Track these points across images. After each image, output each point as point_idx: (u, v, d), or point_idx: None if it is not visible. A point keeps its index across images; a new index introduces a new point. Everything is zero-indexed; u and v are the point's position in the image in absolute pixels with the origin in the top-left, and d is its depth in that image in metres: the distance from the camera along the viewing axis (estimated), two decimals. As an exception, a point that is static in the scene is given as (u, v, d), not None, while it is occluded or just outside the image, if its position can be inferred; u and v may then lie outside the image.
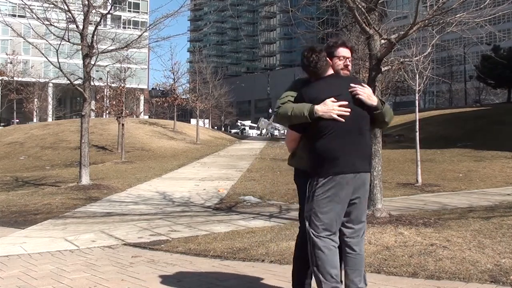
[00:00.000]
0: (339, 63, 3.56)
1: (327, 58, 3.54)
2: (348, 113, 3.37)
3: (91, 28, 13.79)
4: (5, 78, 52.14)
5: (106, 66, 24.98)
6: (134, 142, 30.65)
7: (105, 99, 33.92)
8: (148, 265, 5.26)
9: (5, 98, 52.69)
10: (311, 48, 3.58)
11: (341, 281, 3.50)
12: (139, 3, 75.82)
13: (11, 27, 17.45)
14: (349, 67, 3.62)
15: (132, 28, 48.25)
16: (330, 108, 3.35)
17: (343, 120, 3.36)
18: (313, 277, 3.51)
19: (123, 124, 25.34)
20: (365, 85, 3.52)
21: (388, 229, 6.12)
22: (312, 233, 3.39)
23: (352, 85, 3.45)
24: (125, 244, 6.46)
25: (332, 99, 3.37)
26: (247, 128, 78.15)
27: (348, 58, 3.60)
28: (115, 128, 29.49)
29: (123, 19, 49.75)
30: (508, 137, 22.87)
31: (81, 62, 13.60)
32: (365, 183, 3.51)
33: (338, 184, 3.37)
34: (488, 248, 5.11)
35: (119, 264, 5.36)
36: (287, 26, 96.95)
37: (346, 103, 3.38)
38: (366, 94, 3.44)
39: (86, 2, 13.41)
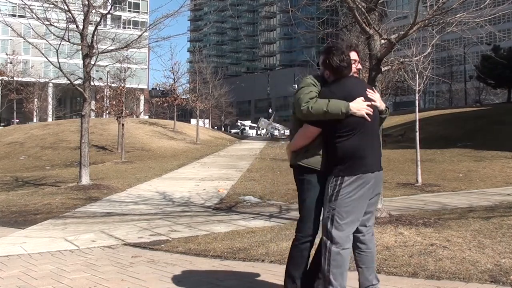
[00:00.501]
0: (353, 67, 3.64)
1: None
2: (372, 113, 3.47)
3: (91, 28, 13.79)
4: (5, 78, 52.13)
5: (106, 66, 24.97)
6: (134, 142, 30.65)
7: (105, 99, 33.91)
8: (148, 265, 5.26)
9: (5, 98, 52.68)
10: (338, 47, 3.61)
11: None
12: (139, 3, 75.83)
13: (11, 27, 17.44)
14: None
15: (132, 28, 48.28)
16: (363, 106, 3.43)
17: (370, 120, 3.45)
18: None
19: (123, 124, 25.34)
20: (375, 90, 3.67)
21: (388, 229, 6.12)
22: (334, 233, 3.40)
23: (368, 90, 3.57)
24: (125, 244, 6.46)
25: (362, 98, 3.46)
26: (247, 128, 78.16)
27: (358, 61, 3.70)
28: (115, 128, 29.49)
29: (123, 19, 49.79)
30: (508, 137, 22.86)
31: (81, 62, 13.60)
32: (381, 181, 3.65)
33: (364, 183, 3.43)
34: (488, 248, 5.11)
35: (119, 264, 5.36)
36: (287, 26, 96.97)
37: (371, 103, 3.51)
38: (377, 99, 3.57)
39: (86, 2, 13.41)
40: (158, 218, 8.58)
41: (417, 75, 13.20)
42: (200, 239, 6.47)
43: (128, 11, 66.44)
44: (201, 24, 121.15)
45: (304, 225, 3.65)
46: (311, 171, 3.57)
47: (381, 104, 3.58)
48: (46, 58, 14.48)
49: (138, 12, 69.76)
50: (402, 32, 7.30)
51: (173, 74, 39.66)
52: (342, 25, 13.68)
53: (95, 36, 13.64)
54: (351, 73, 3.59)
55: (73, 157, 24.75)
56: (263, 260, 5.18)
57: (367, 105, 3.46)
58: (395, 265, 4.67)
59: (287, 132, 75.91)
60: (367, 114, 3.43)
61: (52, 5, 13.85)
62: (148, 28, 15.27)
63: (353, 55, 3.63)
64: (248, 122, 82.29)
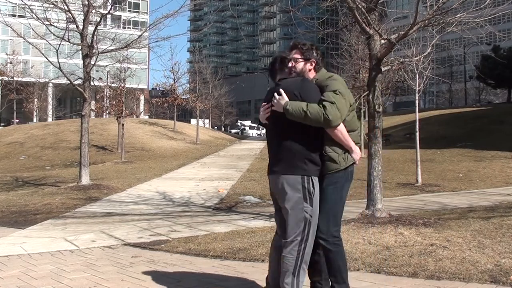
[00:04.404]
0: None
1: None
2: (266, 117, 3.71)
3: (91, 28, 13.79)
4: (5, 78, 52.09)
5: (106, 66, 24.96)
6: (134, 142, 30.65)
7: (105, 99, 33.90)
8: (148, 265, 5.25)
9: (5, 98, 52.63)
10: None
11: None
12: (139, 3, 75.81)
13: (11, 27, 17.42)
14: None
15: (132, 28, 48.21)
16: (260, 112, 3.84)
17: (268, 123, 3.76)
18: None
19: (123, 124, 25.33)
20: (280, 92, 3.59)
21: (388, 229, 6.12)
22: None
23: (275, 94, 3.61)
24: (125, 244, 6.46)
25: (264, 103, 3.72)
26: (247, 128, 78.11)
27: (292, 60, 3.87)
28: (115, 128, 29.49)
29: (123, 19, 49.66)
30: (508, 137, 22.87)
31: (81, 62, 13.60)
32: (277, 188, 3.60)
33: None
34: (488, 248, 5.10)
35: (119, 264, 5.36)
36: (287, 26, 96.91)
37: (271, 108, 3.63)
38: (275, 103, 3.57)
39: (86, 2, 13.41)
40: (158, 218, 8.58)
41: (417, 75, 13.21)
42: (200, 239, 6.47)
43: (128, 11, 66.41)
44: (201, 24, 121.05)
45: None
46: None
47: (277, 107, 3.52)
48: (46, 58, 14.48)
49: (138, 12, 69.72)
50: (402, 32, 7.29)
51: (173, 74, 39.65)
52: (342, 25, 13.68)
53: (95, 36, 13.64)
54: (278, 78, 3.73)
55: (73, 157, 24.74)
56: (263, 260, 5.17)
57: (263, 109, 3.64)
58: (395, 265, 4.67)
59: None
60: (263, 118, 3.65)
61: (52, 5, 13.84)
62: (148, 28, 15.26)
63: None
64: (248, 122, 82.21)
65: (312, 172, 3.49)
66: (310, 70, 3.73)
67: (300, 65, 3.71)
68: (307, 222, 3.47)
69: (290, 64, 3.70)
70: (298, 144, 3.49)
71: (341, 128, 3.51)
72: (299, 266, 3.45)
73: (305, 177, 3.47)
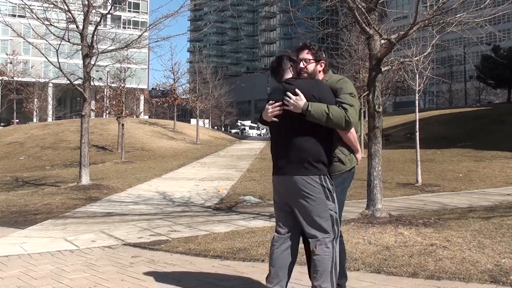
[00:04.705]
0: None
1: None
2: (276, 116, 3.61)
3: (91, 28, 13.79)
4: (5, 78, 52.11)
5: (106, 66, 24.96)
6: (134, 142, 30.65)
7: (105, 99, 33.91)
8: (148, 265, 5.25)
9: (5, 98, 52.62)
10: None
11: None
12: (139, 3, 75.82)
13: (11, 27, 17.42)
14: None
15: (132, 28, 48.20)
16: (266, 111, 3.68)
17: (277, 123, 3.66)
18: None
19: (123, 124, 25.34)
20: (296, 93, 3.57)
21: (388, 229, 6.12)
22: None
23: (287, 93, 3.60)
24: (125, 244, 6.46)
25: (271, 102, 3.64)
26: (247, 128, 78.13)
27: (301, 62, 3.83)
28: (115, 128, 29.50)
29: (123, 19, 49.64)
30: (508, 137, 22.88)
31: (81, 62, 13.60)
32: (288, 188, 3.54)
33: (273, 183, 3.74)
34: (488, 248, 5.11)
35: (119, 264, 5.36)
36: (287, 26, 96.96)
37: (283, 107, 3.56)
38: (291, 103, 3.52)
39: (86, 2, 13.41)
40: (158, 218, 8.58)
41: (417, 75, 13.21)
42: (200, 239, 6.47)
43: (128, 11, 66.41)
44: (201, 24, 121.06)
45: None
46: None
47: (295, 108, 3.45)
48: (46, 58, 14.48)
49: (138, 12, 69.72)
50: (402, 32, 7.30)
51: (173, 74, 39.66)
52: (342, 25, 13.69)
53: (95, 36, 13.64)
54: (285, 78, 3.64)
55: (73, 157, 24.75)
56: (263, 260, 5.17)
57: (272, 107, 3.53)
58: (395, 265, 4.67)
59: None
60: (270, 117, 3.54)
61: (52, 5, 13.85)
62: (148, 28, 15.26)
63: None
64: (248, 122, 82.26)
65: (325, 171, 3.49)
66: (320, 71, 3.73)
67: (312, 66, 3.69)
68: (334, 220, 3.47)
69: (301, 65, 3.68)
70: (310, 144, 3.47)
71: (353, 130, 3.57)
72: (334, 264, 3.42)
73: (321, 176, 3.46)
